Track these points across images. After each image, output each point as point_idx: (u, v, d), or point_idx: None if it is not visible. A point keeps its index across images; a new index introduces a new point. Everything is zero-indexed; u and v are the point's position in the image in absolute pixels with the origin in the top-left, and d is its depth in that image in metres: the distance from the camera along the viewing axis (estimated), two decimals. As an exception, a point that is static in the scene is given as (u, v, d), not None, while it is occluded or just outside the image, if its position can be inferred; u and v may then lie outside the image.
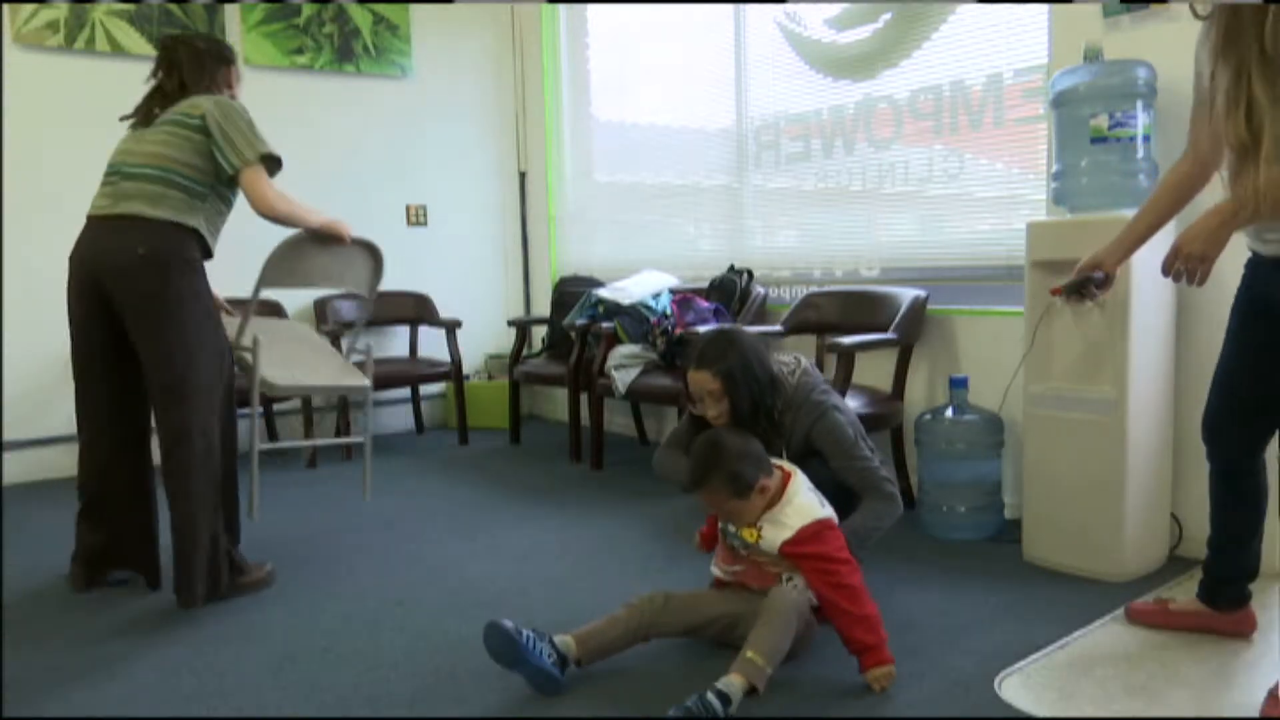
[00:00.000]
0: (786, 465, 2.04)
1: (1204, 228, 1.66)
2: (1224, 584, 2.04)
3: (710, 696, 1.70)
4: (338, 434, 4.47)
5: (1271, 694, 1.71)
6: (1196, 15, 1.74)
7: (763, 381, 2.15)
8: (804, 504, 1.96)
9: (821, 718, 1.77)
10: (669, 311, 3.78)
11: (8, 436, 3.64)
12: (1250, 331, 1.83)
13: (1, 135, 3.39)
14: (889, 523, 2.16)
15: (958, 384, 2.82)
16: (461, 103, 5.04)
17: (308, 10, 4.48)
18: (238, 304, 2.85)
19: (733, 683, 1.74)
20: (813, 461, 2.16)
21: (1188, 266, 1.69)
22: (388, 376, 4.47)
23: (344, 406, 4.24)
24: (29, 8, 3.84)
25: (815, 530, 1.91)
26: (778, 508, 1.95)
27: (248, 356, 2.58)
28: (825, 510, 1.97)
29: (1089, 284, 2.07)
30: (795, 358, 2.29)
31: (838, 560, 1.89)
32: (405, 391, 4.89)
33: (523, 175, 5.26)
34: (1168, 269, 1.73)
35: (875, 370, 3.20)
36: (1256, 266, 1.81)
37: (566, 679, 1.87)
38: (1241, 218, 1.65)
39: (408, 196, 4.88)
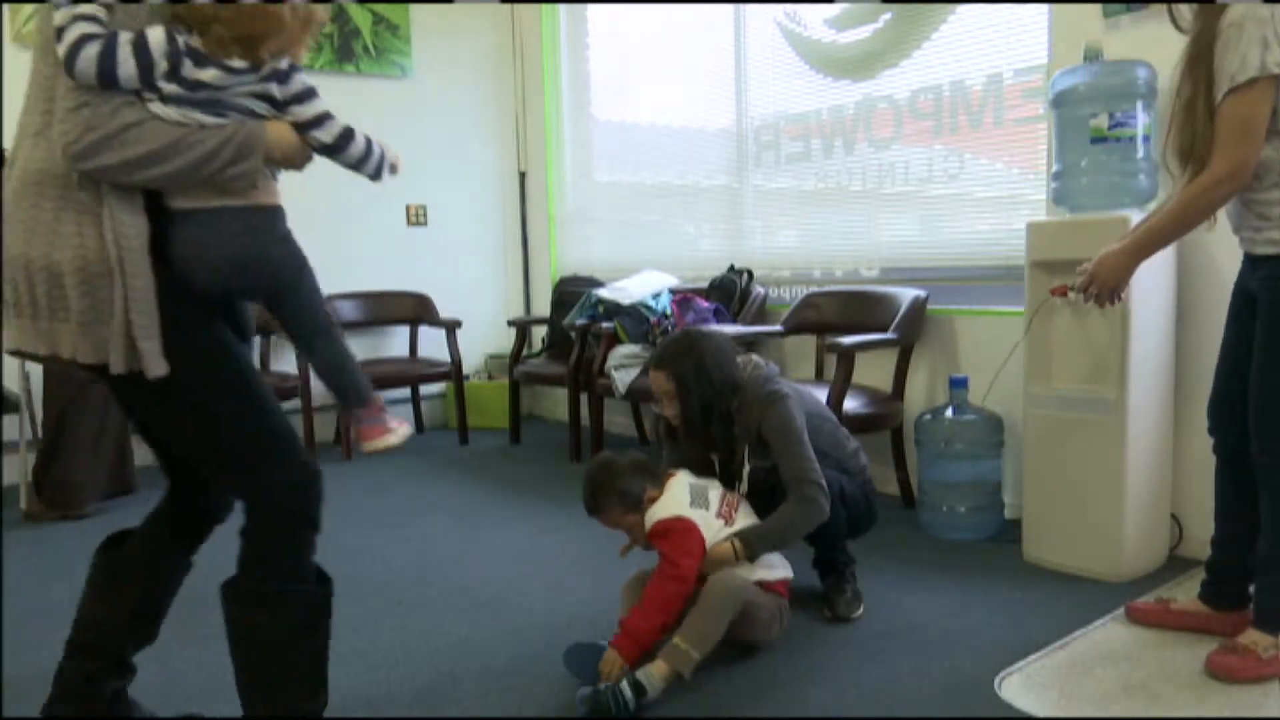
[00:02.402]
0: (675, 471, 2.13)
1: (1116, 261, 1.94)
2: (1226, 583, 2.04)
3: (623, 686, 1.74)
4: (337, 434, 4.47)
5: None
6: (1179, 29, 1.87)
7: (717, 386, 2.14)
8: (667, 501, 2.04)
9: (821, 717, 1.77)
10: (669, 311, 3.77)
11: (8, 437, 3.64)
12: (1235, 316, 1.98)
13: (1, 135, 3.40)
14: (804, 529, 2.09)
15: (958, 384, 2.82)
16: (461, 103, 5.04)
17: (308, 10, 4.48)
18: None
19: (651, 673, 1.78)
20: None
21: (1100, 292, 1.98)
22: (388, 376, 4.47)
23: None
24: (29, 8, 3.84)
25: (662, 529, 2.00)
26: (655, 504, 2.04)
27: None
28: (686, 511, 2.02)
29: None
30: (749, 357, 2.28)
31: (671, 561, 1.95)
32: (405, 391, 4.89)
33: (523, 175, 5.26)
34: (1082, 289, 2.01)
35: (875, 370, 3.20)
36: (1242, 260, 1.94)
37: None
38: (1142, 250, 1.92)
39: (408, 196, 4.88)
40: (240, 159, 1.36)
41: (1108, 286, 1.98)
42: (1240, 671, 1.83)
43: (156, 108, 1.35)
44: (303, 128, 1.44)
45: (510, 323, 4.67)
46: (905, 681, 1.88)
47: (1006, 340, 2.84)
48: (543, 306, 5.00)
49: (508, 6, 5.12)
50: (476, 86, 5.09)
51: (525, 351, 4.53)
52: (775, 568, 2.09)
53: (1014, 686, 1.85)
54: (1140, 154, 2.39)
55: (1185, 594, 2.17)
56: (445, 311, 4.72)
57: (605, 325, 3.85)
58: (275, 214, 1.48)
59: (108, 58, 1.30)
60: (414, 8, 4.80)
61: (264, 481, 1.49)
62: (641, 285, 3.97)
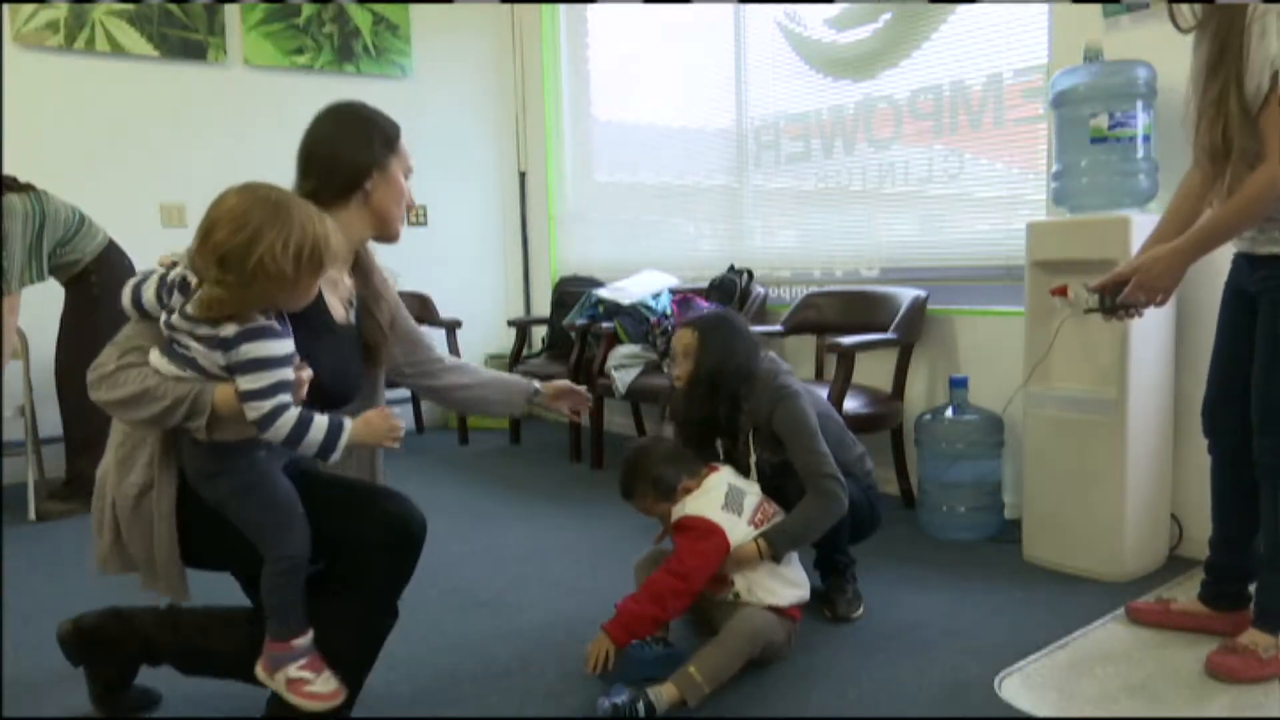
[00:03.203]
0: (720, 465, 2.10)
1: (1165, 264, 1.82)
2: (1225, 583, 2.04)
3: (639, 706, 1.72)
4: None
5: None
6: (1179, 28, 1.83)
7: (734, 359, 2.13)
8: (700, 499, 2.01)
9: (821, 717, 1.77)
10: (669, 311, 3.78)
11: (8, 437, 3.64)
12: (1230, 317, 1.95)
13: (1, 135, 3.40)
14: (825, 524, 2.07)
15: (958, 384, 2.82)
16: (461, 103, 5.03)
17: (308, 10, 4.48)
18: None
19: (661, 694, 1.76)
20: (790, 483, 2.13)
21: (1145, 298, 1.86)
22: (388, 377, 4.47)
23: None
24: (29, 8, 3.85)
25: (685, 524, 1.97)
26: (689, 498, 2.02)
27: None
28: (717, 514, 1.98)
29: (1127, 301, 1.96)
30: (767, 352, 2.29)
31: (679, 559, 1.93)
32: (405, 391, 4.88)
33: (523, 175, 5.26)
34: (1126, 297, 1.87)
35: (875, 370, 3.19)
36: (1235, 259, 1.93)
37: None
38: (1197, 249, 1.81)
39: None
40: (191, 418, 1.44)
41: (1154, 290, 1.86)
42: (1240, 672, 1.83)
43: (153, 354, 1.46)
44: (240, 397, 1.43)
45: (510, 323, 4.67)
46: (905, 681, 1.88)
47: (1007, 340, 2.84)
48: (543, 306, 5.00)
49: (508, 6, 5.12)
50: (476, 86, 5.09)
51: (525, 351, 4.53)
52: (798, 585, 2.05)
53: (1014, 686, 1.85)
54: (1140, 154, 2.39)
55: (1185, 594, 2.17)
56: (445, 311, 4.72)
57: (605, 325, 3.85)
58: (218, 452, 1.50)
59: (137, 287, 1.50)
60: (414, 8, 4.80)
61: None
62: (641, 285, 3.98)
